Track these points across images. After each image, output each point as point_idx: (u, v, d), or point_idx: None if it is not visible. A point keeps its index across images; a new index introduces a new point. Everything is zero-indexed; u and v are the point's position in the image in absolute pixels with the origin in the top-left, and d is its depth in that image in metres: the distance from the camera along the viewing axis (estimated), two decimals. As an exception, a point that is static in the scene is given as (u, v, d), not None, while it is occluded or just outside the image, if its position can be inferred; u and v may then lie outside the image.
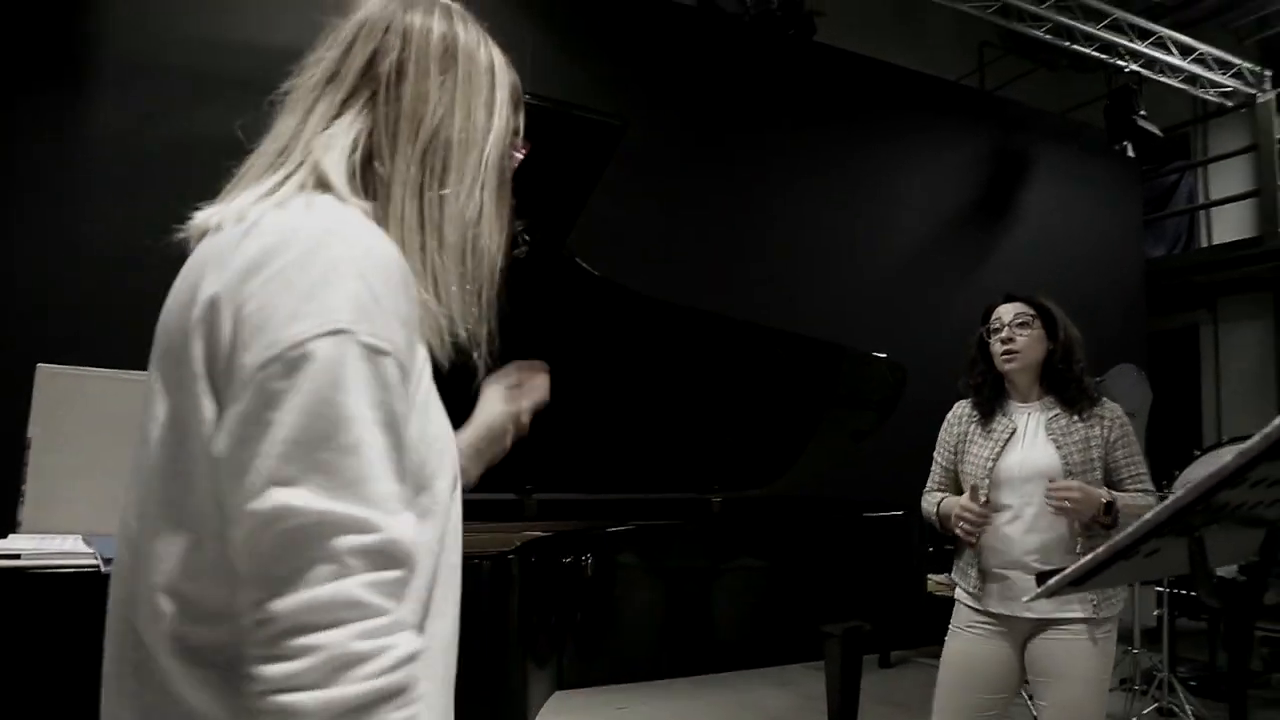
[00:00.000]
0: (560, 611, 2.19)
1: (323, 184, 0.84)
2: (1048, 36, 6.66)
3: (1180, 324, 8.60)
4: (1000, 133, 7.24)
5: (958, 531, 2.37)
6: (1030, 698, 2.56)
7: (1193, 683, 4.44)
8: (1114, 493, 2.29)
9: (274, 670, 0.67)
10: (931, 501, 2.56)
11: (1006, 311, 2.47)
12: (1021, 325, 2.43)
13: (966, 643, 2.42)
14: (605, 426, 3.03)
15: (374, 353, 0.73)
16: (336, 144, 0.86)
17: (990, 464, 2.39)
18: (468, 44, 0.95)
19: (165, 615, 0.75)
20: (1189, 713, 4.11)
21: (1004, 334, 2.43)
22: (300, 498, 0.68)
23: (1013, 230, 7.13)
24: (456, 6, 0.99)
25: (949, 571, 2.60)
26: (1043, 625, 2.31)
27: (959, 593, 2.48)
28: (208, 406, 0.75)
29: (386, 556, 0.71)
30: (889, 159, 6.59)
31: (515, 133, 0.99)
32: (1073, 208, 7.49)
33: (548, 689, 2.10)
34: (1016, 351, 2.41)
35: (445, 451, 0.88)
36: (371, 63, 0.90)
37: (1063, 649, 2.28)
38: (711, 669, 5.00)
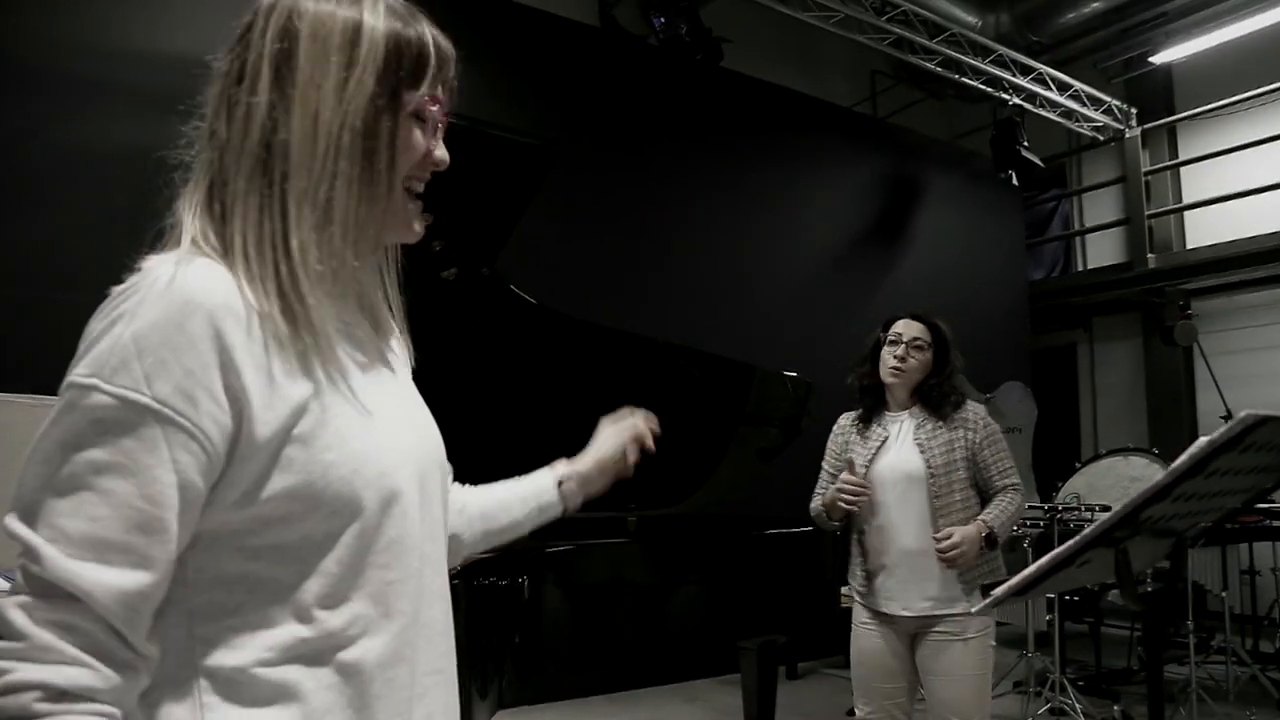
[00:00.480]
0: (500, 634, 2.20)
1: (185, 239, 0.85)
2: (939, 69, 6.98)
3: (1060, 343, 9.09)
4: (894, 158, 7.55)
5: (841, 504, 2.52)
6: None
7: (1080, 683, 4.69)
8: (985, 520, 2.47)
9: None
10: (817, 501, 2.73)
11: (907, 330, 2.64)
12: (917, 348, 2.62)
13: (863, 639, 2.61)
14: (522, 444, 3.05)
15: (124, 403, 0.74)
16: (193, 203, 0.86)
17: (865, 468, 2.57)
18: (318, 11, 0.87)
19: None
20: (1078, 710, 4.34)
21: (899, 351, 2.61)
22: (8, 518, 0.75)
23: (907, 252, 7.43)
24: None
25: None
26: (925, 624, 2.48)
27: (853, 593, 2.67)
28: None
29: (47, 589, 0.72)
30: (790, 182, 6.79)
31: (407, 87, 0.90)
32: (962, 232, 7.86)
33: (489, 714, 2.10)
34: (903, 370, 2.61)
35: (360, 470, 0.84)
36: (220, 94, 0.88)
37: (944, 647, 2.46)
38: (623, 686, 5.03)
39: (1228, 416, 5.83)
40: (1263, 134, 7.29)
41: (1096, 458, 6.20)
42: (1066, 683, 4.44)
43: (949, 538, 2.41)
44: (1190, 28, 7.58)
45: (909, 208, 7.55)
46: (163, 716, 0.78)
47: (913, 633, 2.54)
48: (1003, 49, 7.09)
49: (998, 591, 1.41)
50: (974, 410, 2.63)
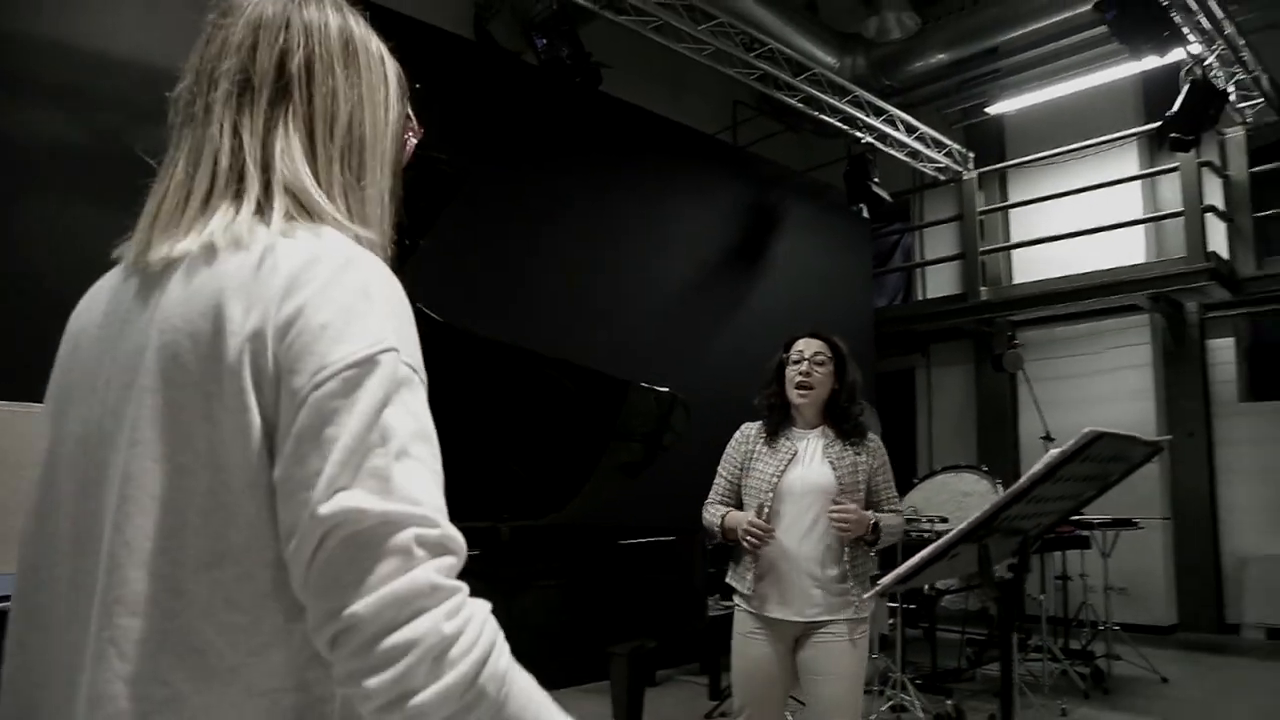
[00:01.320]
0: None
1: (307, 209, 0.85)
2: (800, 105, 7.41)
3: (900, 366, 9.73)
4: (755, 187, 7.93)
5: (744, 543, 2.66)
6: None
7: (918, 681, 5.08)
8: (878, 514, 2.71)
9: (381, 680, 0.68)
10: (715, 513, 2.84)
11: (808, 347, 2.80)
12: (819, 363, 2.78)
13: (749, 645, 2.72)
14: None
15: (411, 371, 0.78)
16: (300, 165, 0.86)
17: (775, 479, 2.71)
18: (363, 36, 0.95)
19: (206, 651, 0.75)
20: (917, 706, 4.72)
21: (803, 367, 2.76)
22: (362, 500, 0.70)
23: (765, 275, 7.81)
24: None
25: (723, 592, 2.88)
26: (810, 628, 2.64)
27: (737, 599, 2.77)
28: (256, 437, 0.75)
29: (445, 548, 0.74)
30: (658, 204, 7.03)
31: (407, 118, 1.00)
32: (815, 259, 8.31)
33: None
34: (811, 388, 2.76)
35: None
36: (282, 65, 0.88)
37: (827, 649, 2.63)
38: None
39: (1047, 437, 6.47)
40: (1081, 183, 8.08)
41: (932, 474, 6.68)
42: (906, 681, 4.82)
43: (847, 507, 2.61)
44: (1021, 84, 8.34)
45: (767, 234, 7.94)
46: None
47: (797, 636, 2.67)
48: (859, 90, 7.59)
49: (885, 580, 1.63)
50: (874, 439, 2.82)
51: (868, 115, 7.74)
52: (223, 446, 0.76)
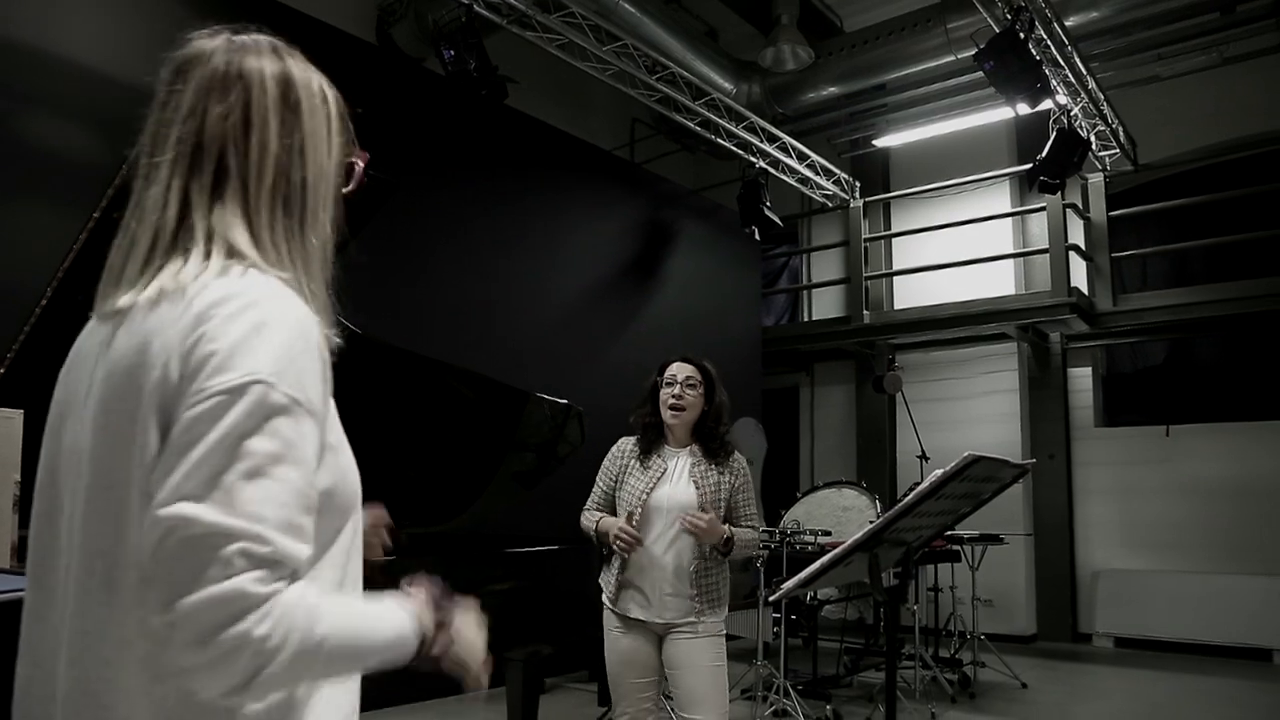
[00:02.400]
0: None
1: (241, 257, 0.94)
2: (698, 128, 7.63)
3: (785, 384, 10.06)
4: (650, 204, 8.10)
5: (615, 547, 2.87)
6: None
7: (799, 687, 5.29)
8: (733, 528, 2.92)
9: (217, 683, 0.79)
10: (591, 519, 3.04)
11: (680, 371, 3.01)
12: (690, 386, 2.99)
13: (614, 640, 2.96)
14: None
15: (293, 402, 0.86)
16: (237, 221, 0.95)
17: (644, 495, 2.91)
18: (303, 79, 1.03)
19: (131, 643, 0.87)
20: (799, 711, 4.92)
21: (676, 390, 2.97)
22: (198, 511, 0.79)
23: (659, 293, 7.98)
24: (280, 42, 1.06)
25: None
26: (669, 627, 2.87)
27: (605, 599, 2.98)
28: (151, 455, 0.86)
29: (271, 562, 0.81)
30: (555, 217, 7.11)
31: (350, 142, 1.09)
32: (707, 277, 8.54)
33: None
34: (683, 409, 2.97)
35: (354, 484, 1.04)
36: (225, 130, 0.97)
37: (687, 645, 2.85)
38: (378, 705, 5.04)
39: (923, 456, 6.83)
40: (958, 217, 8.57)
41: (814, 489, 6.95)
42: (789, 687, 5.02)
43: (700, 515, 2.80)
44: (906, 120, 8.78)
45: (662, 251, 8.12)
46: None
47: (660, 634, 2.90)
48: (754, 117, 7.86)
49: (788, 584, 1.76)
50: (738, 459, 3.04)
51: (762, 141, 8.02)
52: (136, 465, 0.87)
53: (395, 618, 0.96)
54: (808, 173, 8.60)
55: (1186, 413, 8.07)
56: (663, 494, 2.90)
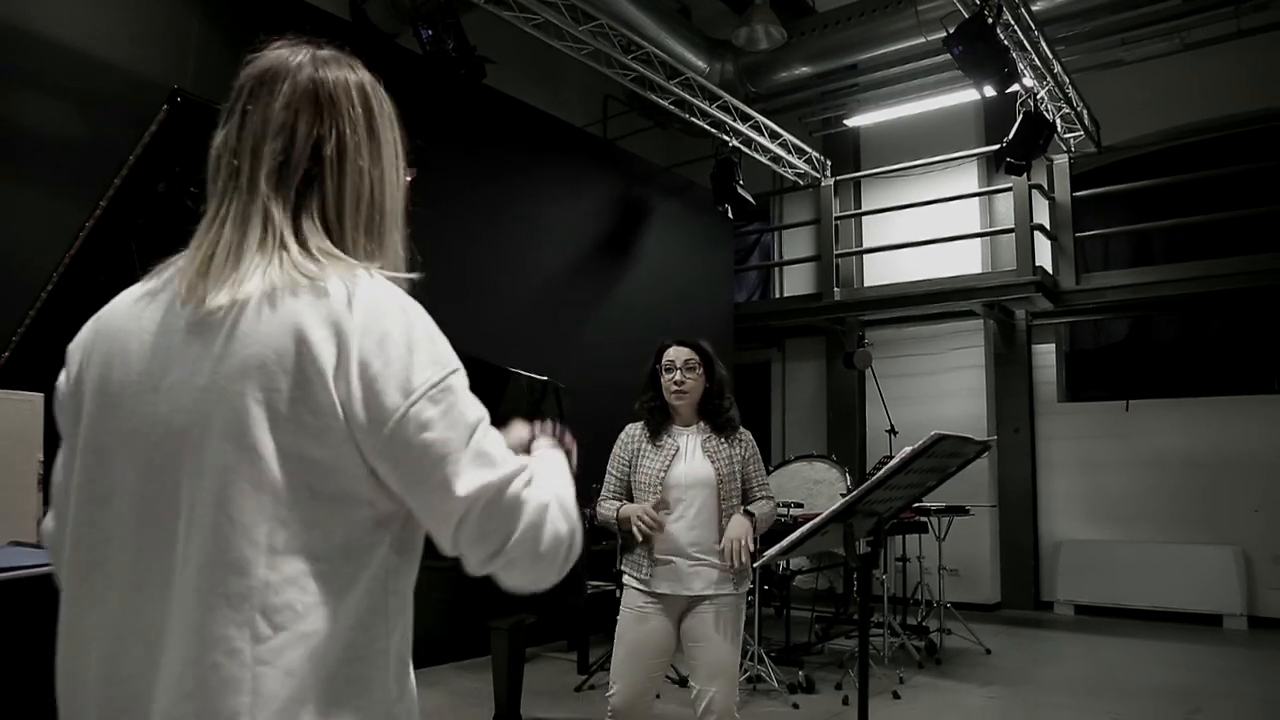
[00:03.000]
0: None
1: (333, 258, 1.01)
2: (672, 107, 7.71)
3: (757, 360, 10.21)
4: (624, 181, 8.18)
5: (636, 530, 2.93)
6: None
7: (773, 654, 5.47)
8: (750, 511, 2.99)
9: (553, 574, 1.02)
10: (610, 508, 3.08)
11: (679, 355, 3.08)
12: (690, 369, 3.06)
13: (638, 619, 2.97)
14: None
15: (459, 370, 1.02)
16: (322, 232, 1.03)
17: (662, 474, 2.99)
18: (379, 98, 1.11)
19: (288, 607, 0.93)
20: (773, 677, 5.10)
21: (677, 375, 3.05)
22: (482, 477, 0.96)
23: (632, 268, 8.07)
24: (355, 59, 1.12)
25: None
26: (697, 601, 2.93)
27: (629, 580, 3.02)
28: (348, 447, 0.95)
29: (529, 480, 1.01)
30: (532, 195, 7.16)
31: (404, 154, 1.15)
32: (680, 254, 8.65)
33: None
34: (685, 391, 3.06)
35: None
36: (316, 150, 1.04)
37: (713, 618, 2.91)
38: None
39: (892, 430, 7.01)
40: (927, 196, 8.73)
41: (786, 462, 7.13)
42: (763, 654, 5.20)
43: (726, 548, 2.89)
44: (877, 100, 8.91)
45: (636, 228, 8.21)
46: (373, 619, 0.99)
47: (682, 610, 2.95)
48: (728, 96, 7.95)
49: (770, 552, 1.89)
50: (744, 433, 3.14)
51: (735, 120, 8.11)
52: (306, 442, 0.94)
53: (562, 461, 1.18)
54: (780, 151, 8.71)
55: (1146, 388, 8.33)
56: (679, 471, 2.99)
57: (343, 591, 0.96)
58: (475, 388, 1.04)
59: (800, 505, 5.71)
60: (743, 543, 2.86)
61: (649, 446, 3.07)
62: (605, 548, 5.69)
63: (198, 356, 0.98)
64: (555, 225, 7.37)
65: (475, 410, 1.01)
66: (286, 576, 0.93)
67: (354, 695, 0.96)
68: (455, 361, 1.02)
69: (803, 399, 9.97)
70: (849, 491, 6.32)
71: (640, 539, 2.95)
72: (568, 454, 1.23)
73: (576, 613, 5.54)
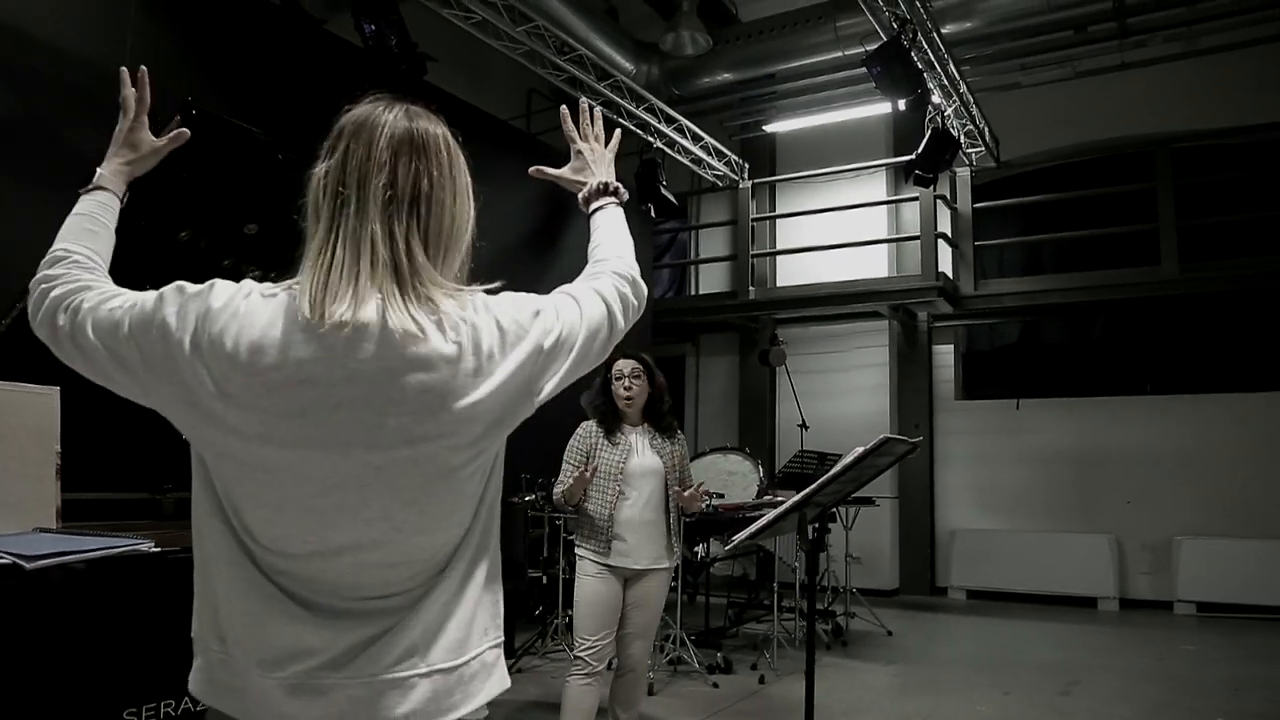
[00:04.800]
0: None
1: (441, 287, 1.21)
2: (601, 107, 7.90)
3: (672, 354, 10.51)
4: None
5: (587, 475, 3.37)
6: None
7: (693, 638, 5.76)
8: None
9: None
10: (562, 486, 3.50)
11: (626, 366, 3.56)
12: (636, 377, 3.55)
13: (597, 585, 3.42)
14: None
15: None
16: (428, 259, 1.21)
17: (622, 465, 3.47)
18: (455, 145, 1.30)
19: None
20: (693, 659, 5.40)
21: (625, 384, 3.53)
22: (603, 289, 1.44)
23: (557, 263, 8.24)
24: (432, 110, 1.30)
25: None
26: (640, 574, 3.45)
27: (586, 553, 3.47)
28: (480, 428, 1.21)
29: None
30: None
31: None
32: (603, 251, 8.84)
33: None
34: (633, 397, 3.54)
35: None
36: (416, 185, 1.21)
37: (652, 587, 3.48)
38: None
39: (803, 424, 7.40)
40: (839, 202, 9.17)
41: (701, 454, 7.42)
42: (685, 637, 5.49)
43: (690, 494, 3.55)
44: (794, 108, 9.31)
45: (559, 223, 8.38)
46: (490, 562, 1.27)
47: (627, 578, 3.45)
48: (654, 99, 8.20)
49: (739, 536, 2.16)
50: (680, 434, 3.71)
51: (659, 122, 8.37)
52: (478, 427, 1.18)
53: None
54: (701, 153, 9.01)
55: (1035, 388, 8.96)
56: (635, 464, 3.49)
57: None
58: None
59: (722, 495, 6.02)
60: (692, 498, 3.54)
61: (605, 442, 3.50)
62: (532, 535, 5.92)
63: (360, 372, 1.14)
64: (482, 218, 7.41)
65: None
66: None
67: None
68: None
69: (715, 393, 10.32)
70: (761, 483, 6.72)
71: (597, 517, 3.42)
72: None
73: (523, 595, 5.73)
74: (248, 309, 1.14)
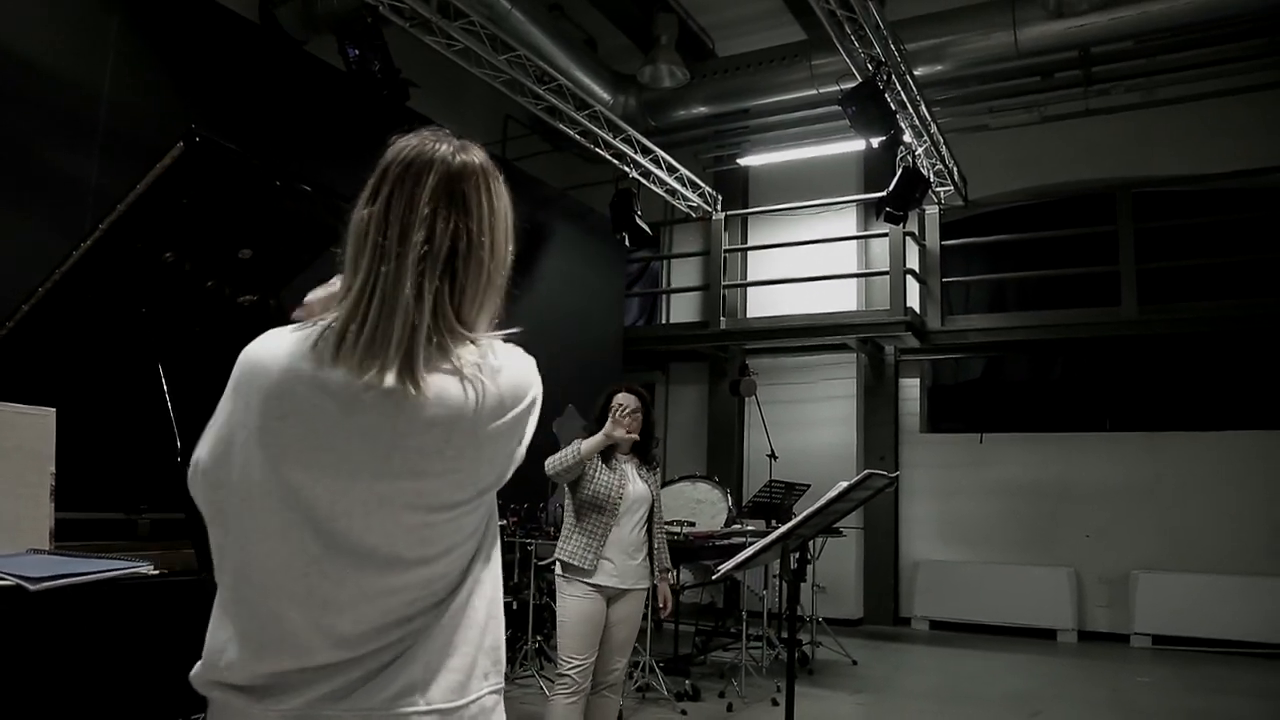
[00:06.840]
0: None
1: (469, 340, 1.23)
2: (578, 137, 8.01)
3: (643, 382, 10.54)
4: (525, 204, 8.19)
5: (616, 435, 3.56)
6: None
7: (661, 665, 5.80)
8: (666, 568, 3.89)
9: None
10: (574, 444, 3.60)
11: (628, 401, 3.74)
12: (635, 413, 3.73)
13: (582, 602, 3.58)
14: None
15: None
16: (459, 317, 1.22)
17: (621, 489, 3.66)
18: (499, 188, 1.28)
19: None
20: (662, 686, 5.43)
21: (627, 421, 3.67)
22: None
23: (533, 289, 8.30)
24: (478, 150, 1.27)
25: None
26: (621, 592, 3.64)
27: (573, 573, 3.61)
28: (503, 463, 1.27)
29: None
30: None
31: None
32: (577, 276, 8.92)
33: None
34: (634, 431, 3.69)
35: None
36: (454, 243, 1.20)
37: (633, 605, 3.71)
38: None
39: (772, 454, 7.48)
40: (809, 236, 9.34)
41: (670, 482, 7.46)
42: (654, 664, 5.52)
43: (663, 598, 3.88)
44: (768, 142, 9.48)
45: (533, 250, 8.43)
46: None
47: (611, 597, 3.64)
48: (631, 130, 8.31)
49: (726, 565, 2.22)
50: (657, 471, 3.97)
51: (635, 153, 8.47)
52: (483, 468, 1.23)
53: None
54: (675, 184, 9.12)
55: (998, 423, 9.14)
56: (629, 491, 3.72)
57: None
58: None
59: (693, 524, 6.07)
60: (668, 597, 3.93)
61: (604, 466, 3.66)
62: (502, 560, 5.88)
63: (387, 419, 1.18)
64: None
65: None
66: None
67: None
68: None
69: (685, 421, 10.39)
70: (730, 512, 6.78)
71: (590, 538, 3.60)
72: None
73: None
74: (276, 343, 1.21)
